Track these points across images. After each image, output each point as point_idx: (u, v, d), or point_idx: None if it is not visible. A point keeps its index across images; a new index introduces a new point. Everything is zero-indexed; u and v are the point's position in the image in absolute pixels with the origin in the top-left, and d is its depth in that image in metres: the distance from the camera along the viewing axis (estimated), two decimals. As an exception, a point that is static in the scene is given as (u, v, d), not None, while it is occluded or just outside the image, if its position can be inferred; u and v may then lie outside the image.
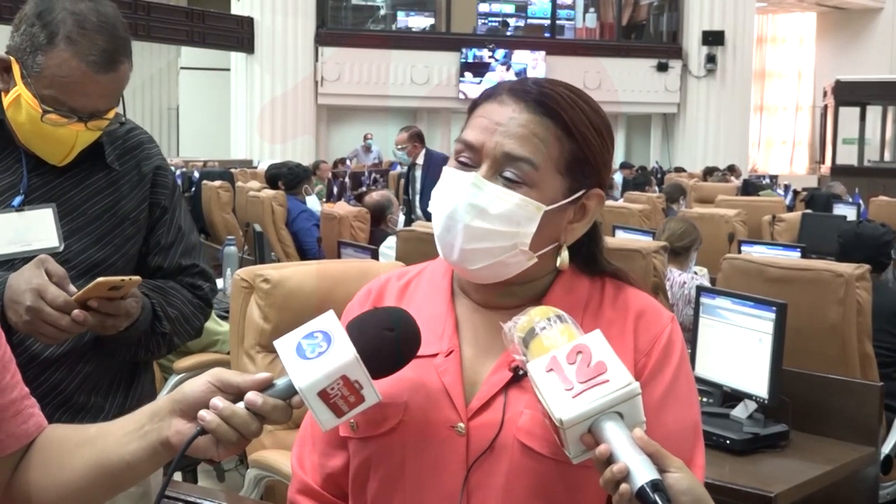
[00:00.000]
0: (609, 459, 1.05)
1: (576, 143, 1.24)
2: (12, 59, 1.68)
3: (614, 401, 1.07)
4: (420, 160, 7.38)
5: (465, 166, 1.25)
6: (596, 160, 1.26)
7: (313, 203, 7.74)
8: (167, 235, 1.89)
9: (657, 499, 1.02)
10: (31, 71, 1.66)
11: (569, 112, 1.24)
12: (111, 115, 1.73)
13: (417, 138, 7.46)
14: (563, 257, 1.27)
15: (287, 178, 7.44)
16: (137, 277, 1.64)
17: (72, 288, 1.60)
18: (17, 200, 1.74)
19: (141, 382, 1.90)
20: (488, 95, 1.28)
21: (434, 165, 7.25)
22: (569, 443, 1.09)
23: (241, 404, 1.08)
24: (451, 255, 1.25)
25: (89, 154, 1.78)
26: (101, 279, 1.57)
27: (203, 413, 1.07)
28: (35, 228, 1.74)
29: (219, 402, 1.07)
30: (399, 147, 7.48)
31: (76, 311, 1.57)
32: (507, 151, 1.22)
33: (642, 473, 1.04)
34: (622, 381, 1.08)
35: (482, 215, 1.22)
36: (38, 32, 1.65)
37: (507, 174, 1.22)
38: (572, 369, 1.09)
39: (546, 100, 1.24)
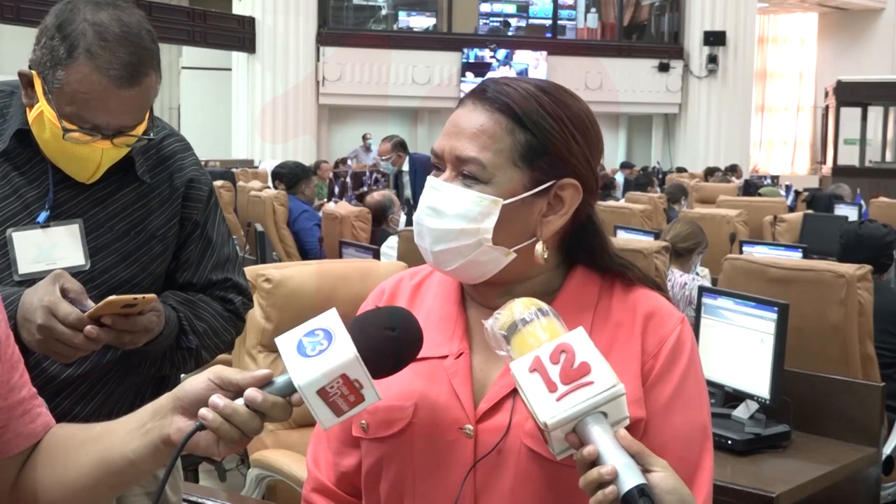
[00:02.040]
0: (594, 461, 1.05)
1: (529, 133, 1.23)
2: (34, 73, 1.60)
3: (598, 403, 1.06)
4: (405, 167, 7.42)
5: (438, 171, 1.28)
6: (557, 149, 1.24)
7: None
8: (197, 250, 1.81)
9: None
10: (52, 86, 1.57)
11: (520, 104, 1.24)
12: (139, 130, 1.64)
13: (401, 147, 7.50)
14: (538, 250, 1.26)
15: (287, 177, 7.45)
16: (152, 295, 1.56)
17: (89, 303, 1.53)
18: (43, 216, 1.67)
19: None
20: (459, 103, 1.31)
21: (420, 168, 7.28)
22: (553, 441, 1.09)
23: (240, 401, 1.08)
24: (428, 258, 1.28)
25: (119, 166, 1.70)
26: (112, 297, 1.50)
27: (204, 411, 1.07)
28: (61, 246, 1.67)
29: (219, 400, 1.07)
30: (384, 158, 7.51)
31: (88, 328, 1.50)
32: (457, 154, 1.24)
33: (628, 478, 1.03)
34: (606, 382, 1.07)
35: (440, 216, 1.24)
36: (57, 46, 1.55)
37: (465, 172, 1.24)
38: (556, 370, 1.08)
39: (499, 95, 1.25)
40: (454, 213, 1.23)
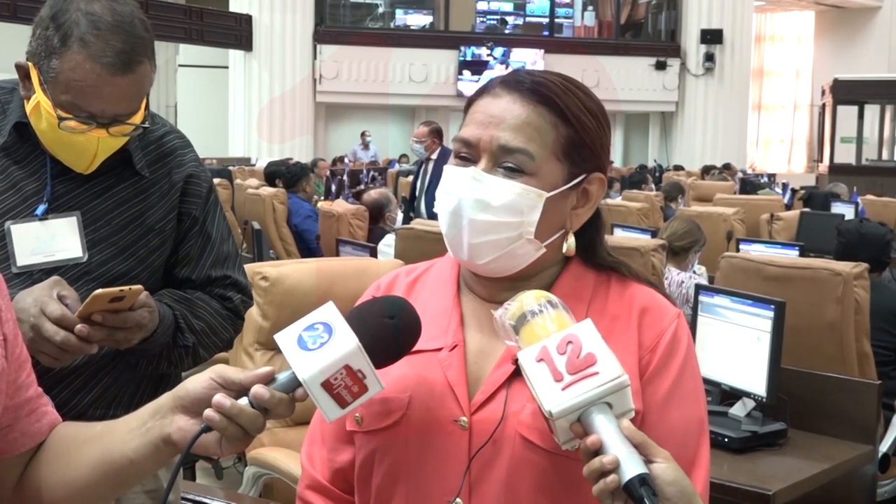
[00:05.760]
0: (597, 450, 1.06)
1: (572, 128, 1.25)
2: (30, 64, 1.61)
3: (603, 393, 1.08)
4: (435, 156, 7.34)
5: (464, 162, 1.26)
6: (594, 143, 1.27)
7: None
8: (196, 246, 1.81)
9: (643, 493, 1.03)
10: (48, 76, 1.59)
11: (563, 98, 1.25)
12: (135, 119, 1.65)
13: (437, 134, 7.38)
14: (570, 243, 1.28)
15: (285, 175, 7.45)
16: (139, 287, 1.56)
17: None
18: (41, 209, 1.68)
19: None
20: (483, 91, 1.29)
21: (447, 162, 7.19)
22: (558, 431, 1.10)
23: (243, 400, 1.08)
24: (460, 252, 1.26)
25: (118, 161, 1.71)
26: (98, 291, 1.50)
27: (210, 413, 1.07)
28: (58, 238, 1.67)
29: (225, 400, 1.07)
30: (417, 140, 7.36)
31: (79, 327, 1.50)
32: (503, 144, 1.23)
33: (630, 467, 1.05)
34: (611, 373, 1.08)
35: (485, 208, 1.22)
36: (51, 35, 1.58)
37: (506, 165, 1.23)
38: (562, 360, 1.09)
39: (539, 88, 1.25)
40: (500, 204, 1.22)
